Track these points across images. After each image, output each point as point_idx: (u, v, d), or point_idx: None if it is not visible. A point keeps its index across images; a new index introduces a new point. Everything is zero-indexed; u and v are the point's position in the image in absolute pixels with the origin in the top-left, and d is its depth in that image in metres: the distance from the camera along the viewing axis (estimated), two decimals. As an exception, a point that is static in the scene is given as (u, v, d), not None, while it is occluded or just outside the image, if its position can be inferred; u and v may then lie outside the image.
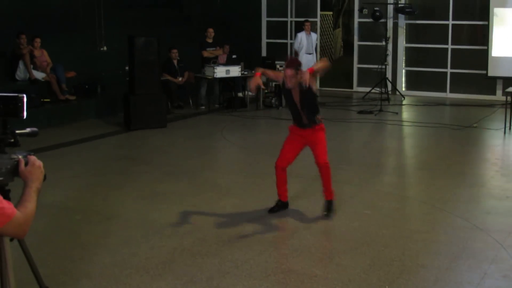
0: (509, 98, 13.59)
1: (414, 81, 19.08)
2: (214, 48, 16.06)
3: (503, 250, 6.62)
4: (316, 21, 19.62)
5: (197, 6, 18.03)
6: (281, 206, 7.79)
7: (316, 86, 7.47)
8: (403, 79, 19.08)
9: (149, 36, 13.22)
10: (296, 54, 17.55)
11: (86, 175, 9.59)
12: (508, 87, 13.99)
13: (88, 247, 6.63)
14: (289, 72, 7.12)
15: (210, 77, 15.28)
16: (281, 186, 7.72)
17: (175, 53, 15.39)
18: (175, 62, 15.45)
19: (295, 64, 7.25)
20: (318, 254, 6.50)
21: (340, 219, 7.59)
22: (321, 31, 20.38)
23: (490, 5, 17.18)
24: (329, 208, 7.62)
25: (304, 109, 7.37)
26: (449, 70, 18.33)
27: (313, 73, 7.27)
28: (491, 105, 16.48)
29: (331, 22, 28.80)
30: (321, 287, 5.76)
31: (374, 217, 7.66)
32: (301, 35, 17.55)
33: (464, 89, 18.17)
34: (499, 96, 17.09)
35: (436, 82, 18.58)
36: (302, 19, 18.31)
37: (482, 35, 17.66)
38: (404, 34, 18.85)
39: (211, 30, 16.19)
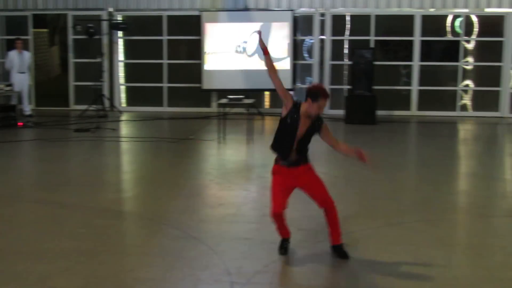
0: (222, 109, 14.24)
1: (133, 97, 19.26)
2: None
3: (215, 256, 6.87)
4: (28, 39, 19.10)
5: None
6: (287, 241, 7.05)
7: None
8: (122, 95, 19.18)
9: None
10: (8, 73, 17.02)
11: None
12: (221, 99, 14.64)
13: None
14: (326, 102, 6.48)
15: None
16: (283, 228, 6.92)
17: None
18: None
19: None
20: (32, 278, 6.25)
21: (51, 240, 7.39)
22: (36, 49, 19.79)
23: (202, 20, 17.87)
24: (343, 252, 6.85)
25: (301, 143, 6.61)
26: (165, 85, 18.78)
27: None
28: (206, 117, 17.14)
29: (47, 39, 28.15)
30: (32, 313, 5.59)
31: (89, 236, 7.56)
32: (13, 54, 17.03)
33: (181, 103, 18.71)
34: (214, 107, 17.83)
35: (154, 97, 18.93)
36: (14, 37, 17.74)
37: (197, 50, 18.27)
38: (121, 50, 18.99)
39: None
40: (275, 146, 6.77)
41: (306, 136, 6.61)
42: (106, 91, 18.50)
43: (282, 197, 6.66)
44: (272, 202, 6.69)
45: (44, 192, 9.76)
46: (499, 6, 17.60)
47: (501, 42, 17.86)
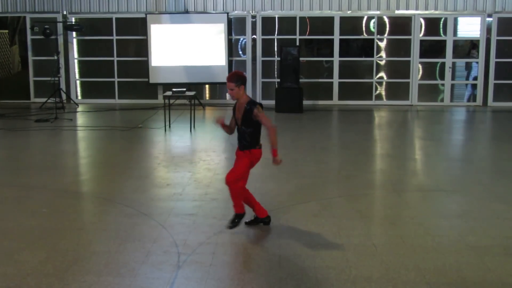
0: (167, 101, 14.12)
1: (87, 90, 18.92)
2: None
3: (164, 230, 6.84)
4: (-10, 39, 18.64)
5: None
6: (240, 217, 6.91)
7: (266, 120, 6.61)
8: (78, 89, 18.85)
9: None
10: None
11: None
12: (166, 91, 14.51)
13: None
14: (229, 85, 6.53)
15: None
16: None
17: None
18: None
19: (235, 77, 6.53)
20: (-3, 254, 6.15)
21: (16, 219, 7.24)
22: (-3, 48, 19.31)
23: (147, 22, 17.67)
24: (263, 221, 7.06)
25: (242, 127, 6.66)
26: (116, 79, 18.53)
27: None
28: (153, 107, 16.99)
29: (8, 39, 27.43)
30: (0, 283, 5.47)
31: (50, 214, 7.43)
32: (-24, 52, 16.56)
33: (131, 95, 18.50)
34: (160, 99, 17.70)
35: (106, 90, 18.65)
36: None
37: (143, 48, 18.07)
38: (75, 49, 18.65)
39: None
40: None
41: (245, 120, 6.62)
42: (63, 85, 18.14)
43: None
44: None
45: (8, 176, 9.55)
46: (407, 8, 17.86)
47: (409, 39, 18.14)
